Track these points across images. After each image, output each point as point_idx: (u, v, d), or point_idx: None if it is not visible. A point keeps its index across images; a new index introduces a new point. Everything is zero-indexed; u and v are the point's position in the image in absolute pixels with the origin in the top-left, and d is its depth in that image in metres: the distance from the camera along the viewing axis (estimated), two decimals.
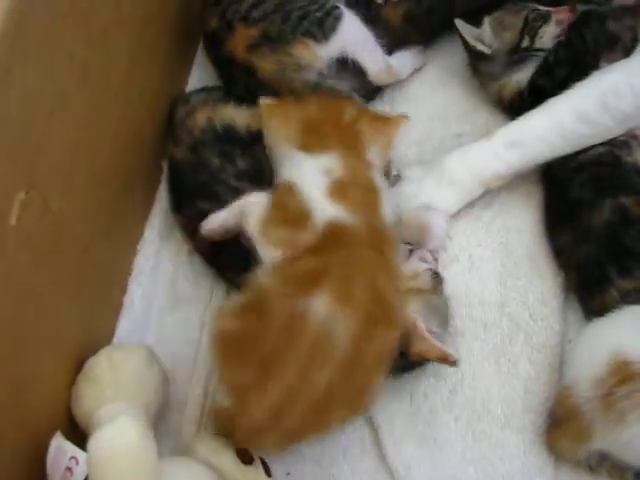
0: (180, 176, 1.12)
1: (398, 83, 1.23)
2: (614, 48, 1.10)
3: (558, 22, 1.14)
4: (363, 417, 1.05)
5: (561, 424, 0.98)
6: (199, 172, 1.08)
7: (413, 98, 1.22)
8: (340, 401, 0.88)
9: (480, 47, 1.14)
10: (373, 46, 1.15)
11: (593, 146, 1.06)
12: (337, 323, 0.85)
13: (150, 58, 1.12)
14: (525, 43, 1.14)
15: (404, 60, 1.20)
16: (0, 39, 0.74)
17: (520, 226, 1.14)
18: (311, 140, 0.98)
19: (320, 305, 0.85)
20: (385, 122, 1.05)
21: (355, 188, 0.95)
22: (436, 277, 1.04)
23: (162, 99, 1.17)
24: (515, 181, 1.12)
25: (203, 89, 1.21)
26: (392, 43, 1.20)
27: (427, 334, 0.97)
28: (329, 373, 0.86)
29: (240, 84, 1.14)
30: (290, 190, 0.95)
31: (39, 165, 0.85)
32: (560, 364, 1.05)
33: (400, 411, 1.05)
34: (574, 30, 1.11)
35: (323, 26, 1.10)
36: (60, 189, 0.90)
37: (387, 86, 1.23)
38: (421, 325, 0.97)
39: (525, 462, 1.02)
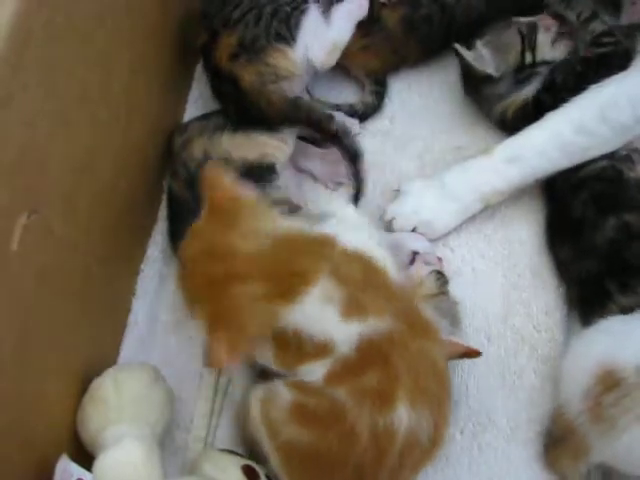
0: (177, 210, 1.12)
1: (398, 98, 1.23)
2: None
3: (545, 28, 1.15)
4: None
5: (558, 443, 0.99)
6: (195, 209, 0.99)
7: (413, 112, 1.23)
8: None
9: (489, 70, 1.14)
10: (321, 34, 1.13)
11: (594, 160, 1.06)
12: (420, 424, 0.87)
13: (150, 76, 1.12)
14: (529, 59, 1.14)
15: (341, 26, 1.14)
16: (0, 61, 0.75)
17: (522, 238, 1.14)
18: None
19: (403, 414, 0.86)
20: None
21: (365, 291, 0.90)
22: (441, 277, 1.04)
23: (163, 117, 1.17)
24: (517, 193, 1.12)
25: (201, 117, 1.20)
26: (392, 52, 1.22)
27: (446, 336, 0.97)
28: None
29: (230, 100, 1.14)
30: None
31: (40, 188, 0.85)
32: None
33: None
34: (591, 66, 1.11)
35: (289, 25, 1.10)
36: (62, 211, 0.90)
37: (386, 101, 1.24)
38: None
39: (531, 474, 1.02)
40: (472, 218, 1.14)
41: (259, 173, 1.09)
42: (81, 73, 0.91)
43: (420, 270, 1.05)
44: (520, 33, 1.15)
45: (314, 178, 1.20)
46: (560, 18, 1.17)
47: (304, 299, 0.87)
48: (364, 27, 1.18)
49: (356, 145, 1.14)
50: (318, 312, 0.88)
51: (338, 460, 0.88)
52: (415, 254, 1.07)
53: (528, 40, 1.14)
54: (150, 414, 0.98)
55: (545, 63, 1.15)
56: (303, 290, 0.87)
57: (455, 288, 1.09)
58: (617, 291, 1.01)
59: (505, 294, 1.11)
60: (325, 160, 1.20)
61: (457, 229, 1.14)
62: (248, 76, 1.10)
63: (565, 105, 1.07)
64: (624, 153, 1.07)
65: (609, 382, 0.91)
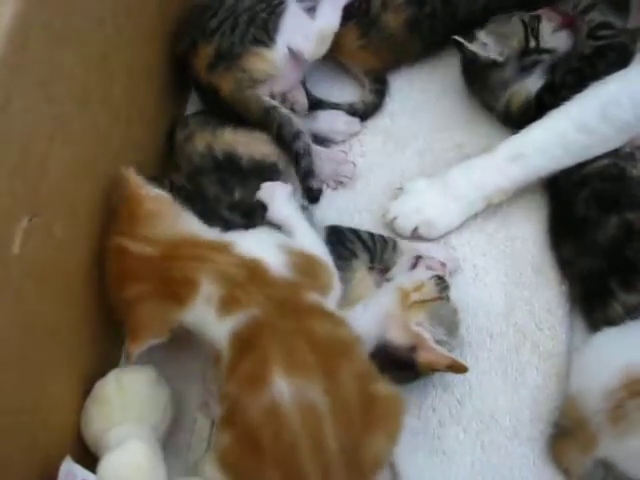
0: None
1: (398, 96, 1.23)
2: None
3: (548, 19, 1.15)
4: None
5: (568, 434, 0.99)
6: (196, 202, 1.04)
7: (413, 110, 1.23)
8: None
9: (493, 55, 1.14)
10: (306, 26, 1.13)
11: (597, 158, 1.06)
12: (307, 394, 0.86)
13: (150, 78, 1.13)
14: (532, 44, 1.14)
15: (327, 13, 1.15)
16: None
17: (524, 236, 1.14)
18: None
19: (283, 388, 0.86)
20: None
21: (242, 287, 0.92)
22: (441, 283, 1.04)
23: (163, 118, 1.18)
24: (518, 192, 1.13)
25: (202, 112, 1.21)
26: (391, 51, 1.22)
27: (434, 344, 0.97)
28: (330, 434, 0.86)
29: (210, 105, 1.15)
30: None
31: (41, 191, 0.85)
32: (567, 372, 1.05)
33: (408, 425, 1.04)
34: (587, 60, 1.12)
35: (267, 28, 1.10)
36: (63, 214, 0.90)
37: (387, 100, 1.24)
38: (427, 336, 0.97)
39: (535, 472, 1.02)
40: (474, 216, 1.14)
41: (263, 171, 1.10)
42: (81, 76, 0.91)
43: (421, 274, 1.05)
44: (522, 22, 1.15)
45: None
46: (562, 12, 1.17)
47: (193, 302, 0.92)
48: (361, 27, 1.19)
49: (311, 167, 1.13)
50: (202, 314, 0.92)
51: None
52: (418, 258, 1.08)
53: (530, 27, 1.14)
54: (153, 415, 0.98)
55: (547, 52, 1.15)
56: (190, 293, 0.92)
57: (457, 286, 1.09)
58: (619, 289, 1.01)
59: (507, 292, 1.12)
60: (327, 159, 1.20)
61: (459, 227, 1.14)
62: (226, 85, 1.11)
63: (567, 103, 1.07)
64: (627, 151, 1.07)
65: (635, 389, 0.92)
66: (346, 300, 1.03)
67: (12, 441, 0.85)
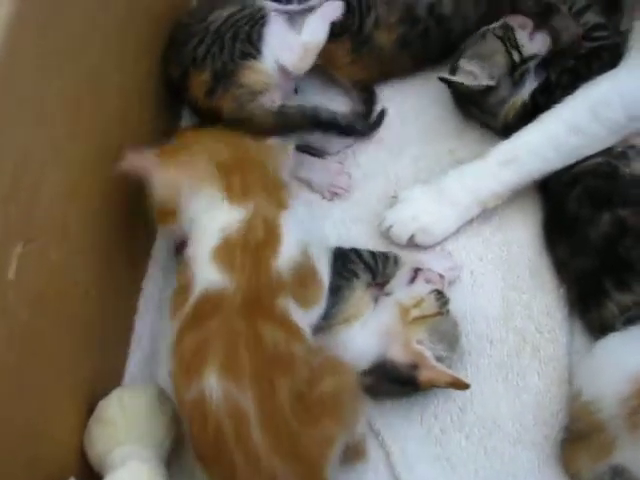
0: None
1: (391, 102, 1.23)
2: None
3: (520, 25, 1.15)
4: (376, 441, 1.05)
5: (581, 439, 0.98)
6: None
7: (406, 118, 1.23)
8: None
9: (485, 82, 1.13)
10: (290, 39, 1.13)
11: (589, 157, 1.06)
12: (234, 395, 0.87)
13: (142, 97, 1.13)
14: (516, 57, 1.14)
15: (314, 28, 1.15)
16: None
17: (521, 240, 1.14)
18: (231, 187, 0.98)
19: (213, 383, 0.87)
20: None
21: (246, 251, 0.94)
22: (441, 298, 1.03)
23: (157, 135, 1.16)
24: (513, 195, 1.12)
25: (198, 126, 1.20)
26: (381, 66, 1.22)
27: (435, 363, 0.98)
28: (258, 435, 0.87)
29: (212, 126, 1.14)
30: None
31: (35, 216, 0.85)
32: (569, 376, 1.06)
33: (411, 433, 1.05)
34: (582, 60, 1.12)
35: (251, 39, 1.11)
36: (58, 237, 0.90)
37: (379, 106, 1.24)
38: (428, 354, 0.98)
39: (539, 477, 1.02)
40: (469, 221, 1.14)
41: None
42: (71, 99, 0.91)
43: (420, 289, 1.05)
44: (497, 37, 1.15)
45: (311, 187, 1.20)
46: (526, 14, 1.17)
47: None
48: (353, 43, 1.19)
49: (350, 123, 1.17)
50: (207, 229, 0.96)
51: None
52: (417, 271, 1.07)
53: (508, 40, 1.14)
54: (157, 434, 0.98)
55: (531, 58, 1.15)
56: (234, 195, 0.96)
57: (454, 292, 1.09)
58: (613, 288, 1.02)
59: (505, 296, 1.11)
60: (322, 170, 1.20)
61: (455, 233, 1.14)
62: (227, 104, 1.11)
63: (558, 105, 1.07)
64: (619, 150, 1.07)
65: None
66: (343, 316, 1.03)
67: (15, 463, 0.85)
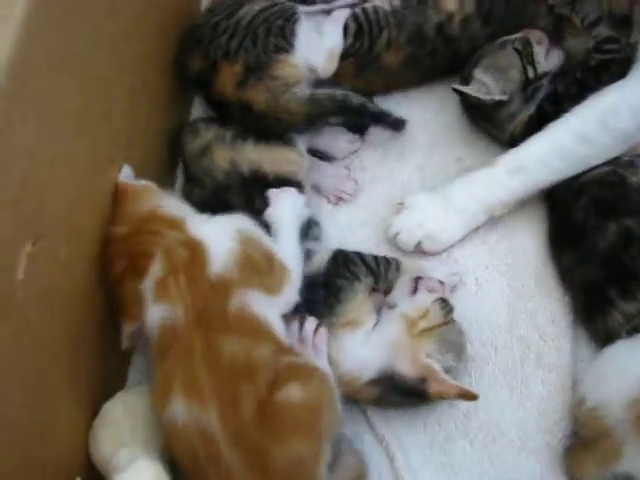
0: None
1: (397, 111, 1.22)
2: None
3: (538, 41, 1.16)
4: (379, 448, 1.05)
5: (586, 446, 0.98)
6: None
7: (413, 124, 1.22)
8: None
9: (498, 97, 1.13)
10: (317, 42, 1.15)
11: (596, 166, 1.07)
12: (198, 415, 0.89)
13: (149, 98, 1.13)
14: (531, 73, 1.14)
15: (331, 33, 1.18)
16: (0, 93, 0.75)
17: (526, 248, 1.15)
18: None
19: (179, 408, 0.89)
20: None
21: (176, 274, 0.95)
22: (446, 306, 1.03)
23: (164, 137, 1.18)
24: (520, 204, 1.13)
25: (208, 119, 1.20)
26: (385, 82, 1.23)
27: (444, 376, 0.97)
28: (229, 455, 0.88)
29: (237, 120, 1.15)
30: None
31: (44, 216, 0.85)
32: (573, 384, 1.06)
33: (415, 439, 1.06)
34: (591, 72, 1.12)
35: (285, 34, 1.12)
36: (66, 237, 0.90)
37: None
38: (437, 368, 0.98)
39: None
40: (475, 229, 1.15)
41: (287, 184, 1.11)
42: (80, 101, 0.91)
43: (424, 298, 1.04)
44: (516, 50, 1.15)
45: (319, 191, 1.21)
46: (544, 30, 1.18)
47: (146, 278, 0.95)
48: (359, 63, 1.20)
49: (381, 110, 1.17)
50: (148, 293, 0.95)
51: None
52: (417, 280, 1.07)
53: (526, 55, 1.14)
54: (161, 436, 0.98)
55: (545, 75, 1.15)
56: (146, 266, 0.95)
57: (460, 299, 1.09)
58: (618, 297, 1.02)
59: (510, 304, 1.12)
60: (329, 175, 1.21)
61: (461, 240, 1.15)
62: (260, 96, 1.11)
63: (566, 115, 1.07)
64: (626, 159, 1.08)
65: None
66: (345, 318, 1.03)
67: (21, 465, 0.85)
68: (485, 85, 1.14)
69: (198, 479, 0.90)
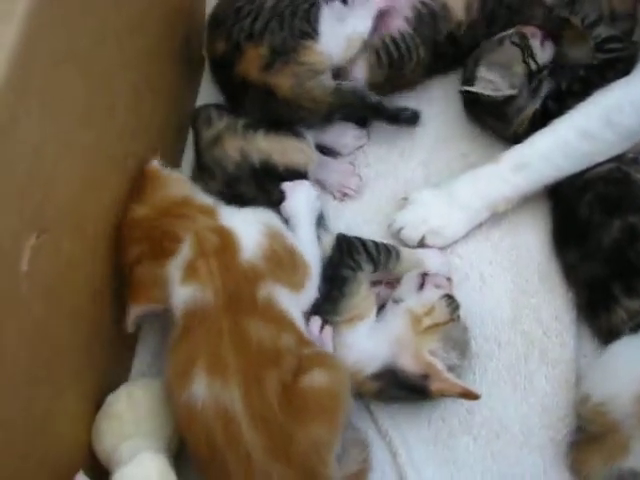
0: None
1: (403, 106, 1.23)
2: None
3: (533, 35, 1.16)
4: (382, 443, 1.05)
5: (593, 442, 0.98)
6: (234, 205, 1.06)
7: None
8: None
9: (508, 92, 1.13)
10: (337, 29, 1.13)
11: (601, 163, 1.07)
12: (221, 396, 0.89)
13: (155, 93, 1.13)
14: (533, 66, 1.14)
15: (358, 20, 1.15)
16: (3, 89, 0.75)
17: (530, 243, 1.15)
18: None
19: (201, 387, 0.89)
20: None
21: (207, 258, 0.95)
22: (452, 303, 1.03)
23: (169, 131, 1.18)
24: (524, 200, 1.13)
25: (221, 108, 1.19)
26: (394, 87, 1.23)
27: (447, 375, 0.97)
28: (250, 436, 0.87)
29: (256, 105, 1.14)
30: None
31: (48, 209, 0.85)
32: (577, 379, 1.06)
33: (418, 436, 1.06)
34: (595, 69, 1.12)
35: (309, 19, 1.11)
36: (71, 230, 0.91)
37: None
38: (440, 365, 0.98)
39: None
40: (479, 225, 1.15)
41: (297, 176, 1.11)
42: (84, 95, 0.91)
43: (430, 295, 1.04)
44: (515, 44, 1.15)
45: (323, 187, 1.21)
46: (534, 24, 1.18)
47: (173, 260, 0.96)
48: (387, 79, 1.20)
49: (396, 108, 1.17)
50: (174, 275, 0.95)
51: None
52: (424, 276, 1.07)
53: (525, 48, 1.14)
54: (165, 428, 0.98)
55: (545, 67, 1.15)
56: (174, 248, 0.96)
57: (464, 295, 1.08)
58: (623, 294, 1.02)
59: (514, 300, 1.12)
60: (334, 170, 1.21)
61: (464, 236, 1.15)
62: (286, 81, 1.10)
63: (570, 111, 1.07)
64: (631, 156, 1.08)
65: None
66: (348, 314, 1.03)
67: (23, 458, 0.85)
68: (492, 82, 1.14)
69: (213, 466, 0.90)
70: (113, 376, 1.05)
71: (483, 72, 1.14)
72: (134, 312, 0.98)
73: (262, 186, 1.11)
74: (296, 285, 0.99)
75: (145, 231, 0.98)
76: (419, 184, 1.18)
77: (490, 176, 1.11)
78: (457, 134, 1.22)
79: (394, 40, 1.18)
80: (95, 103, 0.94)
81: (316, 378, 0.91)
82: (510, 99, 1.13)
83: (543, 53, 1.16)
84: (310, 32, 1.11)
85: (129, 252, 0.98)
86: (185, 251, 0.95)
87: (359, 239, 1.10)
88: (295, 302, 0.98)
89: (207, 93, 1.27)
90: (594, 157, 1.06)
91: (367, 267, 1.07)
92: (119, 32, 0.99)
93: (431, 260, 1.11)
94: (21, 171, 0.80)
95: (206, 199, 1.03)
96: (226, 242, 0.96)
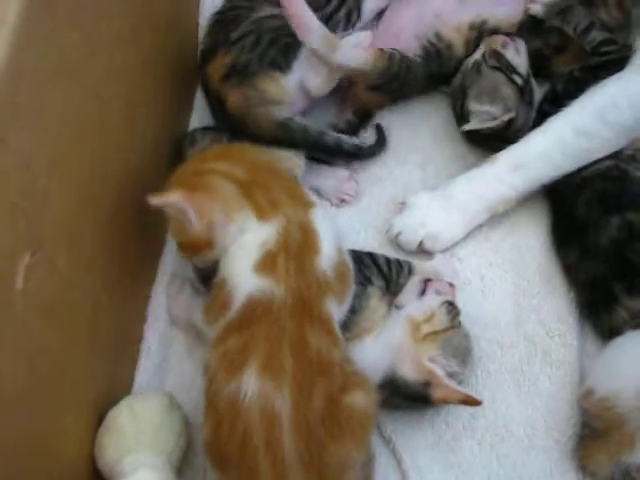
0: None
1: (398, 108, 1.23)
2: None
3: (502, 45, 1.15)
4: (386, 449, 1.05)
5: (598, 437, 0.98)
6: None
7: (413, 122, 1.22)
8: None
9: (507, 117, 1.11)
10: (319, 62, 1.11)
11: (598, 160, 1.06)
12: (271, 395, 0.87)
13: (149, 107, 1.12)
14: (519, 80, 1.13)
15: (347, 53, 1.11)
16: None
17: (530, 244, 1.14)
18: (258, 204, 0.96)
19: (251, 382, 0.87)
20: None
21: (288, 255, 0.94)
22: (452, 310, 1.02)
23: (164, 144, 1.18)
24: (522, 200, 1.12)
25: (207, 128, 1.21)
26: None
27: (447, 382, 0.97)
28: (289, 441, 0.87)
29: (213, 110, 1.16)
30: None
31: (43, 227, 0.85)
32: (580, 379, 1.05)
33: (423, 441, 1.05)
34: (589, 70, 1.12)
35: (288, 54, 1.10)
36: (66, 247, 0.90)
37: (385, 113, 1.23)
38: (440, 373, 0.97)
39: None
40: (479, 227, 1.14)
41: None
42: (76, 110, 0.91)
43: (431, 301, 1.04)
44: (494, 68, 1.13)
45: (320, 194, 1.20)
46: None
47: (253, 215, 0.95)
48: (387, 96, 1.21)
49: (355, 145, 1.17)
50: (246, 247, 0.94)
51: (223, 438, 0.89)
52: (426, 282, 1.07)
53: (506, 68, 1.13)
54: (167, 442, 0.98)
55: (529, 74, 1.14)
56: (270, 213, 0.95)
57: (465, 298, 1.08)
58: (623, 293, 1.02)
59: (516, 301, 1.11)
60: (330, 177, 1.20)
61: (464, 238, 1.14)
62: (233, 98, 1.11)
63: (565, 109, 1.07)
64: (629, 153, 1.07)
65: None
66: (358, 329, 1.03)
67: (26, 473, 0.85)
68: (487, 113, 1.12)
69: (241, 464, 0.88)
70: (115, 390, 1.05)
71: (474, 105, 1.13)
72: (177, 200, 0.94)
73: None
74: (343, 300, 0.99)
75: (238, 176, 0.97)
76: (417, 187, 1.18)
77: (487, 177, 1.10)
78: (453, 135, 1.21)
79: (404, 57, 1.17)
80: (88, 118, 0.94)
81: (357, 399, 0.91)
82: (510, 121, 1.12)
83: (520, 58, 1.14)
84: (281, 65, 1.10)
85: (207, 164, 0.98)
86: (269, 234, 0.94)
87: (369, 254, 1.09)
88: (338, 316, 0.98)
89: (202, 104, 1.26)
90: (591, 154, 1.06)
91: (378, 282, 1.06)
92: (110, 45, 0.98)
93: (443, 270, 1.10)
94: (13, 188, 0.79)
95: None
96: (309, 243, 0.95)
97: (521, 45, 1.16)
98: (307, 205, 0.99)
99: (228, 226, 0.95)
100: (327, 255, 0.95)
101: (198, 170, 0.99)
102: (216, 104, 1.14)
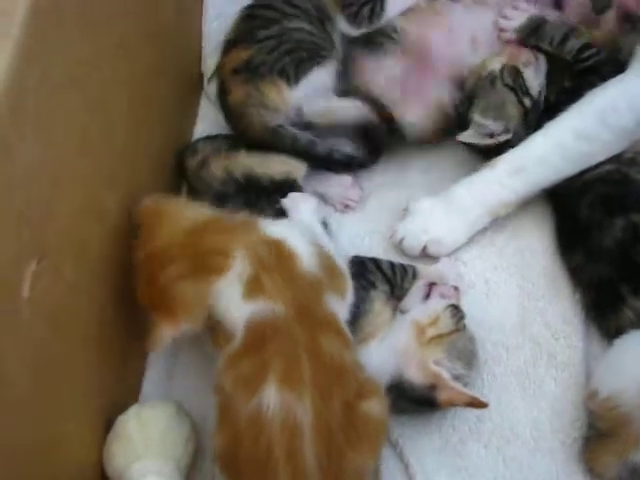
0: None
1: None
2: None
3: (525, 64, 1.14)
4: (394, 453, 1.05)
5: (605, 437, 0.97)
6: None
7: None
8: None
9: (503, 138, 1.12)
10: (324, 94, 1.15)
11: (599, 164, 1.06)
12: (293, 407, 0.87)
13: (154, 116, 1.14)
14: (528, 103, 1.13)
15: (346, 107, 1.17)
16: None
17: (534, 247, 1.14)
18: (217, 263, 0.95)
19: (271, 397, 0.87)
20: None
21: (270, 272, 0.94)
22: (457, 313, 1.03)
23: (168, 154, 1.19)
24: (525, 203, 1.13)
25: (208, 137, 1.23)
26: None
27: (453, 384, 0.97)
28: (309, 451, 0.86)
29: (218, 99, 1.18)
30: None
31: (48, 235, 0.86)
32: (586, 381, 1.05)
33: (430, 445, 1.05)
34: (581, 78, 1.12)
35: (299, 68, 1.12)
36: (72, 255, 0.91)
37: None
38: (446, 375, 0.97)
39: None
40: (483, 230, 1.15)
41: (285, 188, 1.12)
42: (81, 121, 0.92)
43: (435, 305, 1.04)
44: (508, 87, 1.13)
45: (324, 200, 1.21)
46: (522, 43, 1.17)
47: (224, 275, 0.93)
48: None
49: (347, 155, 1.18)
50: (230, 290, 0.93)
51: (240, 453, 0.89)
52: (431, 286, 1.07)
53: (519, 88, 1.13)
54: (175, 449, 0.99)
55: (540, 94, 1.15)
56: (225, 264, 0.93)
57: (470, 301, 1.09)
58: (630, 294, 1.02)
59: (521, 304, 1.11)
60: (335, 183, 1.21)
61: (468, 242, 1.15)
62: (236, 92, 1.13)
63: (564, 113, 1.07)
64: (629, 156, 1.07)
65: None
66: (363, 333, 1.03)
67: None
68: (487, 128, 1.12)
69: (258, 477, 0.88)
70: (123, 397, 1.05)
71: (478, 117, 1.13)
72: (168, 332, 0.94)
73: (250, 202, 1.10)
74: (343, 293, 0.99)
75: (182, 251, 0.95)
76: (420, 192, 1.18)
77: (487, 181, 1.11)
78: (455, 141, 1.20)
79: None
80: (92, 129, 0.95)
81: (373, 406, 0.91)
82: (507, 143, 1.12)
83: (538, 78, 1.15)
84: (290, 77, 1.12)
85: (166, 270, 0.94)
86: (241, 266, 0.93)
87: (373, 259, 1.10)
88: (342, 311, 0.98)
89: (206, 115, 1.27)
90: (592, 158, 1.06)
91: (382, 286, 1.07)
92: (114, 56, 1.00)
93: (448, 273, 1.11)
94: (19, 196, 0.80)
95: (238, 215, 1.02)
96: (282, 254, 0.95)
97: (542, 64, 1.16)
98: (254, 223, 0.98)
99: (218, 300, 0.95)
100: (305, 253, 0.96)
101: (151, 281, 0.97)
102: (221, 93, 1.17)
